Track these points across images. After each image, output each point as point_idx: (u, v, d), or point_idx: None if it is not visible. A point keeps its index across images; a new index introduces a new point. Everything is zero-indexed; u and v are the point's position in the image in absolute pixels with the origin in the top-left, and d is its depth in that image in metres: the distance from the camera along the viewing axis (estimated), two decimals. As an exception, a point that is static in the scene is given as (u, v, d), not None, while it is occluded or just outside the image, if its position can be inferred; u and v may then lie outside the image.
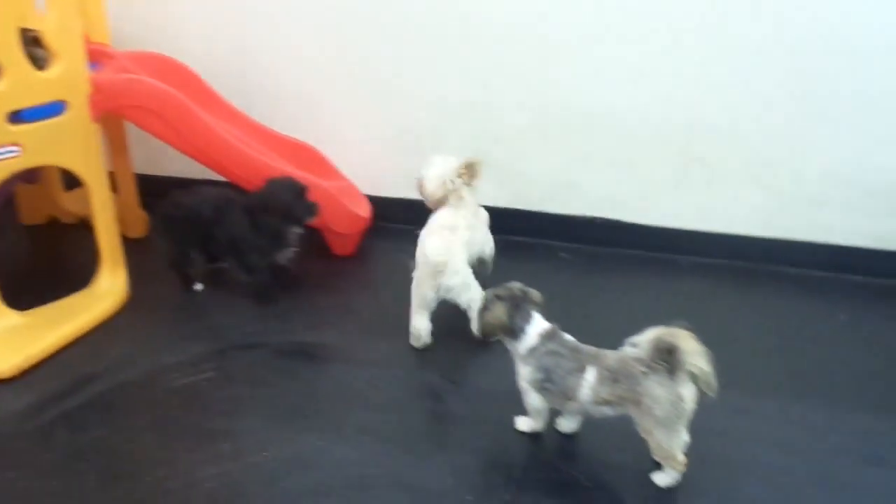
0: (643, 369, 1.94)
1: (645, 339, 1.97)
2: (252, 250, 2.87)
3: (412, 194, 3.44)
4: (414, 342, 2.63)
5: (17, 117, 2.48)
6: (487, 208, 3.39)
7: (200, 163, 2.98)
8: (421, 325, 2.60)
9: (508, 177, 3.38)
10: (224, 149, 2.95)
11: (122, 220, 3.10)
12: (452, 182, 2.70)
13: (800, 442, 2.22)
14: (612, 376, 1.98)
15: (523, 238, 3.39)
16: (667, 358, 1.91)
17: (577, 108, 3.20)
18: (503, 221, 3.39)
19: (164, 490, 2.08)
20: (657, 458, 2.01)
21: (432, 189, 2.74)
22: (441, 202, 2.75)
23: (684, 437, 2.00)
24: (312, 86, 3.48)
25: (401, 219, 3.18)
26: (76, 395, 2.45)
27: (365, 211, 3.32)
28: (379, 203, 3.44)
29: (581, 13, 3.07)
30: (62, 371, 2.52)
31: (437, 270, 2.50)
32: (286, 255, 2.93)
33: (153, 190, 3.38)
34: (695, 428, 2.02)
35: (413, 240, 2.64)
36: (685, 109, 3.09)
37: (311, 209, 2.85)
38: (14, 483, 2.10)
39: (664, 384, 1.92)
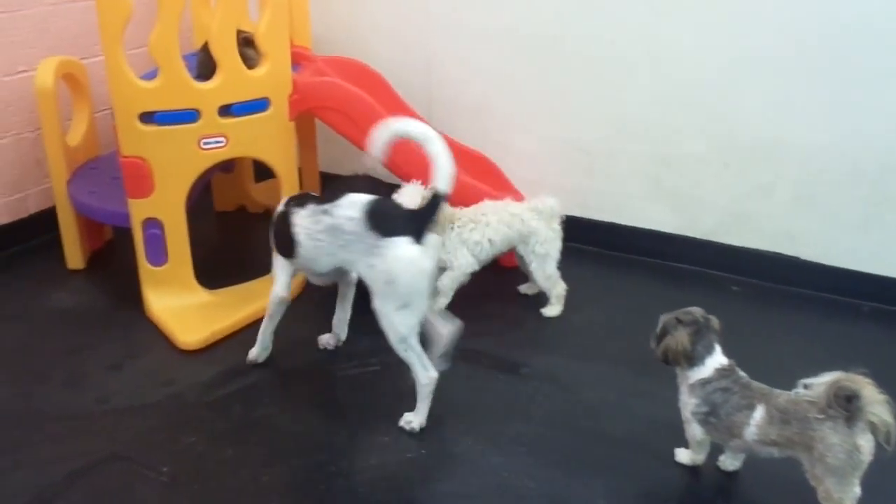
0: (817, 414, 1.87)
1: (821, 383, 1.90)
2: None
3: (582, 213, 3.47)
4: None
5: (226, 111, 2.68)
6: (654, 233, 3.36)
7: (384, 166, 3.10)
8: None
9: (681, 203, 3.32)
10: (408, 154, 3.06)
11: (304, 213, 3.27)
12: None
13: None
14: (783, 417, 1.92)
15: (692, 267, 3.31)
16: (844, 405, 1.83)
17: (763, 138, 3.10)
18: (671, 248, 3.35)
19: (326, 473, 2.19)
20: (824, 510, 1.92)
21: None
22: None
23: (857, 490, 1.90)
24: (492, 98, 3.55)
25: (569, 236, 3.17)
26: (252, 373, 2.62)
27: (534, 225, 3.34)
28: (548, 218, 3.46)
29: (773, 42, 2.98)
30: (241, 349, 2.69)
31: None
32: None
33: (334, 188, 3.56)
34: (872, 486, 1.92)
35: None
36: (880, 148, 2.93)
37: None
38: (194, 446, 2.29)
39: (840, 431, 1.84)
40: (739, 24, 3.02)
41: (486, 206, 2.94)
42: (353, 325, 2.87)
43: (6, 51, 3.31)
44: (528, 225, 2.91)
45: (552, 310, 2.98)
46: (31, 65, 3.26)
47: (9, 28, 3.30)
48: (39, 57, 3.22)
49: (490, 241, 2.88)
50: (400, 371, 2.63)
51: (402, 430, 2.35)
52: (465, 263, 2.88)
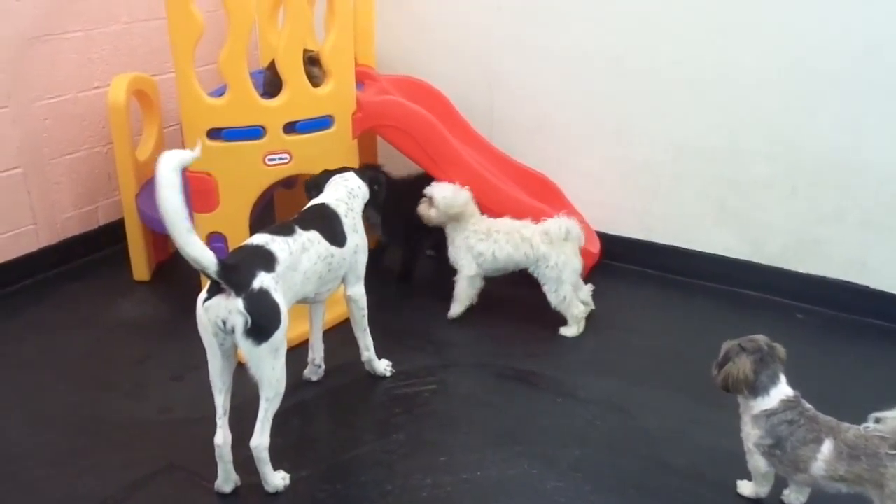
0: (889, 450, 1.80)
1: (894, 417, 1.83)
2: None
3: (645, 236, 3.43)
4: None
5: (291, 128, 2.72)
6: (718, 257, 3.29)
7: (443, 184, 3.12)
8: None
9: (746, 227, 3.25)
10: (468, 174, 3.06)
11: (363, 230, 3.30)
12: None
13: None
14: (852, 452, 1.86)
15: (756, 293, 3.24)
16: (919, 443, 1.77)
17: (833, 161, 3.02)
18: (736, 274, 3.28)
19: (381, 491, 2.18)
20: (895, 550, 1.84)
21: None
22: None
23: (930, 531, 1.83)
24: (554, 119, 3.53)
25: (631, 259, 3.14)
26: (308, 389, 2.64)
27: (595, 247, 3.31)
28: (609, 241, 3.43)
29: (840, 63, 2.91)
30: (299, 365, 2.69)
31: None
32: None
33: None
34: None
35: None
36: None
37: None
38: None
39: (914, 470, 1.77)
40: (808, 45, 2.96)
41: (502, 223, 2.99)
42: (412, 344, 2.88)
43: (83, 67, 3.42)
44: (537, 250, 2.88)
45: (569, 330, 2.95)
46: (106, 81, 3.37)
47: (85, 46, 3.42)
48: (113, 73, 3.34)
49: (495, 256, 2.93)
50: (457, 390, 2.64)
51: (458, 451, 2.34)
52: (468, 268, 2.96)
